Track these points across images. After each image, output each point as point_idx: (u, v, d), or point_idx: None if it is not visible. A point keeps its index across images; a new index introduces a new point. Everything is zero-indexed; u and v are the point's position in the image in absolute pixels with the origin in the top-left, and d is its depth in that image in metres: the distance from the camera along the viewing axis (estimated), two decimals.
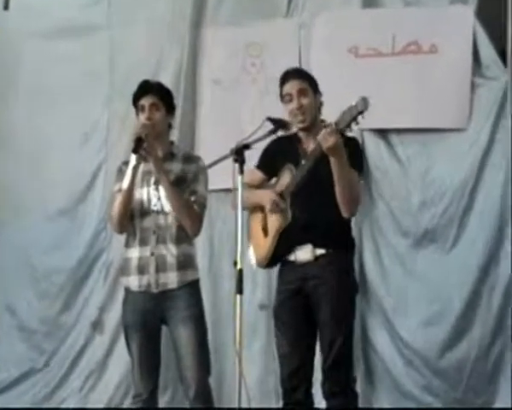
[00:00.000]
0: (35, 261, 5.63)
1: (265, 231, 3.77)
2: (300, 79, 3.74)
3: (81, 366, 5.50)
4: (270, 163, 3.82)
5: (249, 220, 3.87)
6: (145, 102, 3.81)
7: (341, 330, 3.61)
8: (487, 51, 4.85)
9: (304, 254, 3.69)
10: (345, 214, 3.59)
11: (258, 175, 3.88)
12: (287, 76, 3.77)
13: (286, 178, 3.72)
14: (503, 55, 4.86)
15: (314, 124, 3.71)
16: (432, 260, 4.88)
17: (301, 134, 3.75)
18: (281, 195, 3.73)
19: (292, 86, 3.72)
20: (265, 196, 3.76)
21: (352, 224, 3.88)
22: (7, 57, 5.75)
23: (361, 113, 3.35)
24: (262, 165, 3.88)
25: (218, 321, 5.00)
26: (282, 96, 3.78)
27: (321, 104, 3.77)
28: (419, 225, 4.91)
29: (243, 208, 3.53)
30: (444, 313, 4.80)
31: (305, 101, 3.69)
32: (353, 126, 3.41)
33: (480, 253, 4.78)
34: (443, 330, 4.79)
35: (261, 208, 3.79)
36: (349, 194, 3.52)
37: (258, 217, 3.81)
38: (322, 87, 3.82)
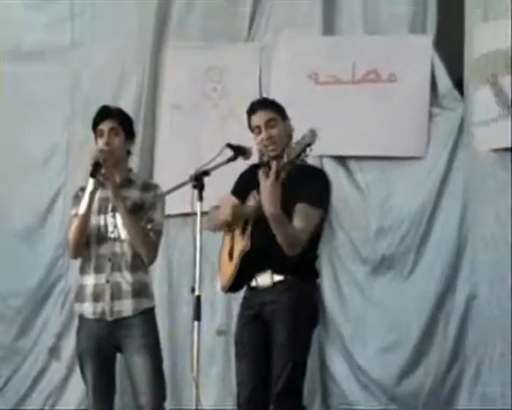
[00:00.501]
0: None
1: (231, 255, 3.78)
2: (268, 109, 3.74)
3: (38, 391, 5.44)
4: (244, 189, 3.81)
5: (221, 244, 3.87)
6: (104, 126, 3.78)
7: (292, 356, 3.59)
8: (444, 81, 4.92)
9: (263, 279, 3.69)
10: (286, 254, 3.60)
11: (232, 200, 3.88)
12: (253, 107, 3.77)
13: (248, 205, 3.73)
14: (460, 85, 4.93)
15: (284, 152, 3.70)
16: (389, 288, 4.92)
17: (273, 162, 3.75)
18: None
19: (260, 118, 3.72)
20: (227, 204, 3.76)
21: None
22: None
23: (309, 145, 3.39)
24: (236, 191, 3.88)
25: (175, 347, 4.99)
26: (250, 128, 3.78)
27: (291, 130, 3.76)
28: (377, 252, 4.95)
29: (209, 229, 3.54)
30: (401, 340, 4.83)
31: (273, 131, 3.69)
32: (304, 157, 3.46)
33: (437, 280, 4.82)
34: (400, 357, 4.81)
35: (232, 232, 3.79)
36: (281, 238, 3.52)
37: (227, 241, 3.82)
38: None
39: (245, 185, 3.82)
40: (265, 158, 3.75)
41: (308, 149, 3.41)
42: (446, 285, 4.80)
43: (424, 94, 4.89)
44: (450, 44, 4.96)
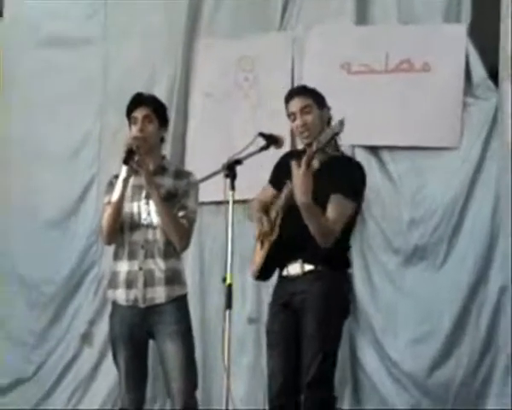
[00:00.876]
0: (24, 272, 5.62)
1: (262, 243, 3.79)
2: (303, 96, 3.77)
3: (69, 378, 5.49)
4: (279, 178, 3.83)
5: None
6: (138, 114, 3.80)
7: (322, 347, 3.59)
8: (479, 71, 4.87)
9: (294, 269, 3.70)
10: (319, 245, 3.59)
11: (270, 190, 3.91)
12: (290, 94, 3.82)
13: (283, 194, 3.74)
14: (494, 75, 4.88)
15: None
16: (421, 278, 4.88)
17: (308, 150, 3.75)
18: (267, 210, 3.76)
19: (295, 104, 3.75)
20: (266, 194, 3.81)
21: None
22: (0, 67, 5.74)
23: (336, 134, 3.42)
24: (272, 180, 3.93)
25: (206, 336, 5.00)
26: (288, 115, 3.81)
27: (329, 119, 3.77)
28: (409, 242, 4.91)
29: (252, 220, 3.61)
30: (433, 331, 4.80)
31: (308, 118, 3.71)
32: (333, 146, 3.54)
33: (469, 271, 4.78)
34: (431, 349, 4.78)
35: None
36: (313, 228, 3.53)
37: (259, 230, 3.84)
38: None
39: (280, 174, 3.83)
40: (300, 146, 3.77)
41: (336, 138, 3.40)
42: (479, 276, 4.76)
43: (458, 83, 4.85)
44: (484, 34, 4.90)
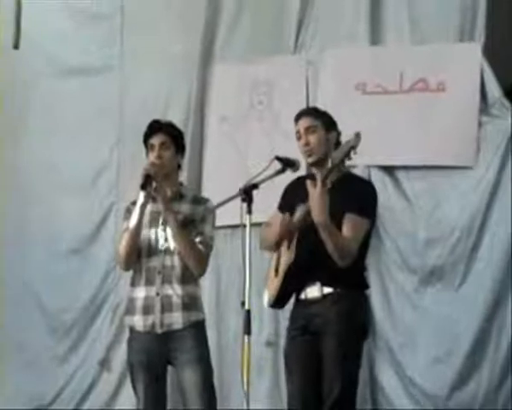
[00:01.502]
0: (45, 299, 5.65)
1: (277, 270, 3.78)
2: (311, 116, 3.79)
3: (88, 404, 5.49)
4: (289, 204, 3.83)
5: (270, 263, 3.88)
6: (155, 141, 3.82)
7: (344, 370, 3.58)
8: (494, 89, 4.86)
9: (312, 292, 3.69)
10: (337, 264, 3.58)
11: (280, 216, 3.88)
12: (299, 115, 3.84)
13: (296, 218, 3.73)
14: (509, 92, 4.87)
15: (325, 160, 3.70)
16: (440, 298, 4.87)
17: (316, 172, 3.75)
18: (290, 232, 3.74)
19: (301, 123, 3.78)
20: (276, 220, 3.77)
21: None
22: (18, 96, 5.80)
23: (353, 148, 3.43)
24: (281, 206, 3.91)
25: (222, 360, 4.98)
26: (295, 134, 3.83)
27: (338, 143, 3.76)
28: (426, 262, 4.90)
29: (263, 248, 3.61)
30: (452, 351, 4.78)
31: (312, 138, 3.73)
32: (352, 161, 3.52)
33: (488, 290, 4.75)
34: (451, 369, 4.76)
35: (278, 249, 3.79)
36: (331, 248, 3.53)
37: (274, 259, 3.82)
38: None
39: (290, 199, 3.83)
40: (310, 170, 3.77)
41: (352, 153, 3.41)
42: (498, 295, 4.73)
43: (473, 102, 4.84)
44: (499, 52, 4.91)
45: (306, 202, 3.60)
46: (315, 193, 3.46)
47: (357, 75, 5.12)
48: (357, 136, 3.41)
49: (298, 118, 3.82)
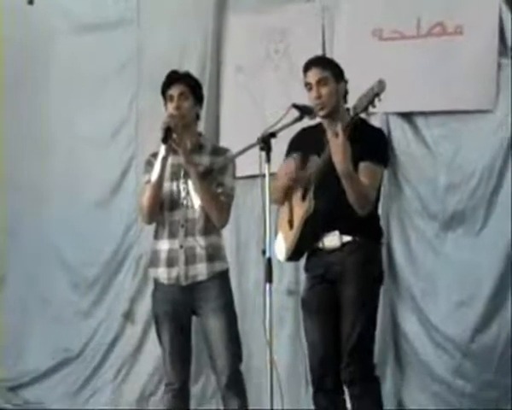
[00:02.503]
0: (67, 253, 5.71)
1: (291, 223, 3.76)
2: (321, 67, 3.73)
3: (114, 356, 5.58)
4: (301, 152, 3.79)
5: (277, 216, 3.85)
6: (174, 91, 3.81)
7: (361, 317, 3.60)
8: None
9: (330, 241, 3.68)
10: (358, 213, 3.57)
11: (293, 164, 3.84)
12: (308, 65, 3.77)
13: (310, 169, 3.71)
14: None
15: (337, 111, 3.68)
16: (461, 243, 4.86)
17: (325, 123, 3.74)
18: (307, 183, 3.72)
19: (312, 75, 3.72)
20: (287, 168, 3.73)
21: (380, 209, 3.88)
22: (36, 53, 5.81)
23: (377, 95, 3.37)
24: (289, 156, 3.85)
25: (244, 309, 5.00)
26: (304, 84, 3.78)
27: (346, 92, 3.74)
28: (447, 207, 4.89)
29: (273, 201, 3.57)
30: (474, 295, 4.78)
31: (324, 90, 3.68)
32: (373, 109, 3.45)
33: (508, 234, 4.73)
34: (473, 313, 4.76)
35: (289, 201, 3.77)
36: (353, 196, 3.52)
37: (284, 211, 3.79)
38: (346, 71, 3.78)
39: (296, 151, 3.80)
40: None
41: (376, 100, 3.37)
42: None
43: (492, 45, 4.77)
44: None
45: (321, 153, 3.59)
46: (338, 143, 3.44)
47: (374, 21, 5.06)
48: (381, 82, 3.36)
49: (307, 68, 3.75)
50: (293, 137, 3.86)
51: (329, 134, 3.49)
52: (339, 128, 3.45)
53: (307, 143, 3.74)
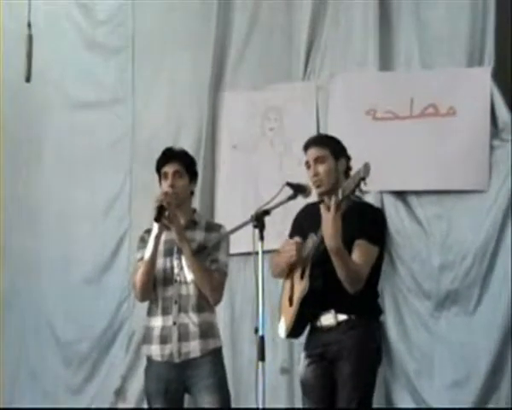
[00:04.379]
0: (59, 329, 5.67)
1: (291, 300, 3.75)
2: (319, 146, 3.76)
3: None
4: (299, 232, 3.82)
5: (281, 292, 3.86)
6: (168, 169, 3.82)
7: (357, 395, 3.57)
8: (504, 113, 4.87)
9: (327, 319, 3.67)
10: (348, 291, 3.57)
11: (292, 242, 3.85)
12: (307, 144, 3.81)
13: (308, 247, 3.73)
14: None
15: (336, 188, 3.69)
16: (455, 322, 4.86)
17: (325, 200, 3.75)
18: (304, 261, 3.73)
19: (310, 154, 3.76)
20: (288, 246, 3.74)
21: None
22: (31, 129, 5.86)
23: (363, 179, 3.38)
24: (292, 234, 3.88)
25: (238, 387, 4.96)
26: (305, 163, 3.82)
27: (348, 168, 3.76)
28: (441, 287, 4.90)
29: (275, 276, 3.60)
30: (469, 375, 4.76)
31: (321, 168, 3.71)
32: (367, 188, 3.46)
33: (504, 313, 4.74)
34: (469, 394, 4.73)
35: (291, 278, 3.77)
36: (342, 273, 3.52)
37: (286, 288, 3.80)
38: None
39: (299, 227, 3.82)
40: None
41: (362, 184, 3.40)
42: None
43: (484, 126, 4.85)
44: (508, 76, 4.92)
45: (318, 230, 3.60)
46: (328, 218, 3.46)
47: (368, 101, 5.14)
48: (366, 166, 3.37)
49: (306, 147, 3.80)
50: (298, 213, 3.90)
51: (322, 209, 3.51)
52: (331, 202, 3.47)
53: (309, 220, 3.75)
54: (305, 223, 3.79)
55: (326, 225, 3.47)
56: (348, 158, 3.79)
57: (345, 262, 3.51)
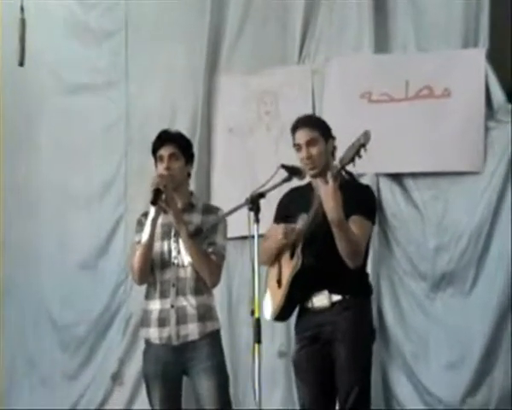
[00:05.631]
0: (56, 314, 5.67)
1: (279, 282, 3.72)
2: (310, 128, 3.72)
3: None
4: (285, 216, 3.80)
5: (266, 277, 3.82)
6: (164, 151, 3.80)
7: (358, 378, 3.57)
8: (498, 95, 4.88)
9: (320, 300, 3.65)
10: (348, 266, 3.57)
11: (278, 228, 3.84)
12: (297, 125, 3.77)
13: (299, 226, 3.71)
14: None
15: (326, 170, 3.68)
16: (451, 304, 4.88)
17: (314, 182, 3.75)
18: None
19: (301, 136, 3.72)
20: (276, 230, 3.72)
21: (370, 270, 3.89)
22: (26, 113, 5.83)
23: (363, 145, 3.38)
24: (277, 219, 3.84)
25: (236, 370, 4.98)
26: (293, 145, 3.79)
27: (334, 149, 3.75)
28: (436, 268, 4.91)
29: (263, 262, 3.56)
30: (465, 356, 4.78)
31: (313, 150, 3.68)
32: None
33: (499, 293, 4.77)
34: (464, 375, 4.76)
35: (278, 261, 3.76)
36: (344, 246, 3.49)
37: (273, 272, 3.76)
38: (335, 133, 3.80)
39: (285, 211, 3.80)
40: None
41: (362, 150, 3.38)
42: (509, 298, 4.74)
43: (479, 108, 4.86)
44: (502, 58, 4.92)
45: (309, 210, 3.59)
46: (328, 191, 3.42)
47: (363, 84, 5.14)
48: (366, 134, 3.37)
49: (297, 128, 3.74)
50: (282, 198, 3.86)
51: (320, 184, 3.47)
52: (329, 176, 3.44)
53: (296, 203, 3.75)
54: (292, 206, 3.76)
55: (326, 198, 3.44)
56: (334, 138, 3.77)
57: (347, 234, 3.47)
